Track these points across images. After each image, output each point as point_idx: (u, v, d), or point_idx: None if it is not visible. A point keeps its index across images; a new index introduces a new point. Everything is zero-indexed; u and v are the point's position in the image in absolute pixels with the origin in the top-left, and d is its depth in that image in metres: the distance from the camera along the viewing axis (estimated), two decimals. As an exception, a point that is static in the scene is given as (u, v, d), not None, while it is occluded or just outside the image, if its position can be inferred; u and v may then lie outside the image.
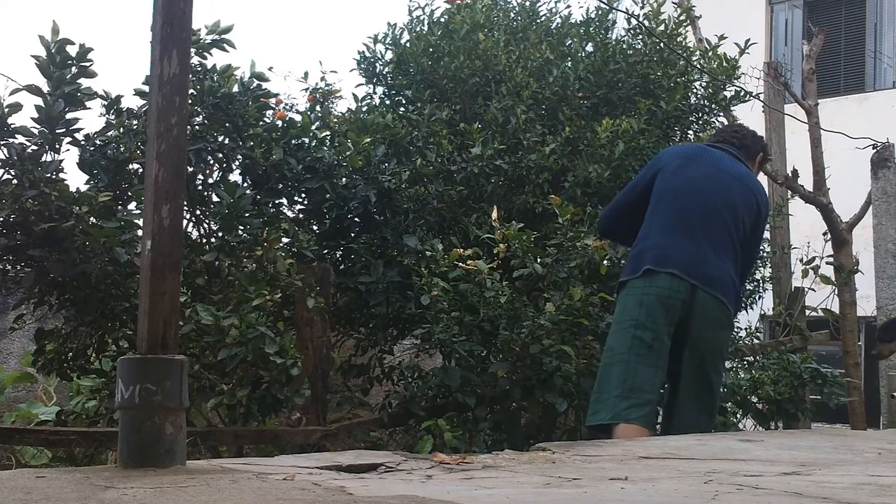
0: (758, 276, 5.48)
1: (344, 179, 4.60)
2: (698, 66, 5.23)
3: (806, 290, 5.88)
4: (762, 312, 5.70)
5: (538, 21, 5.61)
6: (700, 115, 5.31)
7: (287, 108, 5.33)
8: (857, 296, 6.20)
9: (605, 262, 4.02)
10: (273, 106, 4.66)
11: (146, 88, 3.84)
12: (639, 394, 3.19)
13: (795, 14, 11.44)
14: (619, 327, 3.35)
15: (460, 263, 3.94)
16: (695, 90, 5.28)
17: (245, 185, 4.33)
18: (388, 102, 5.44)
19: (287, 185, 4.42)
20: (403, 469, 2.02)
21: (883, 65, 10.82)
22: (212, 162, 4.26)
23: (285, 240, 4.06)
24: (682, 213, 3.42)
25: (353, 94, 5.39)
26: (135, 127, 4.03)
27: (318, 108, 5.22)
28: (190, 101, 3.99)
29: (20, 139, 3.68)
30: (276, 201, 4.46)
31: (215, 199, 4.10)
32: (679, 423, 3.31)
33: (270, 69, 4.58)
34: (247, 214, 3.90)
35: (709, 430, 3.35)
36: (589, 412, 3.32)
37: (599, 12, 5.53)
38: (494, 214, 4.10)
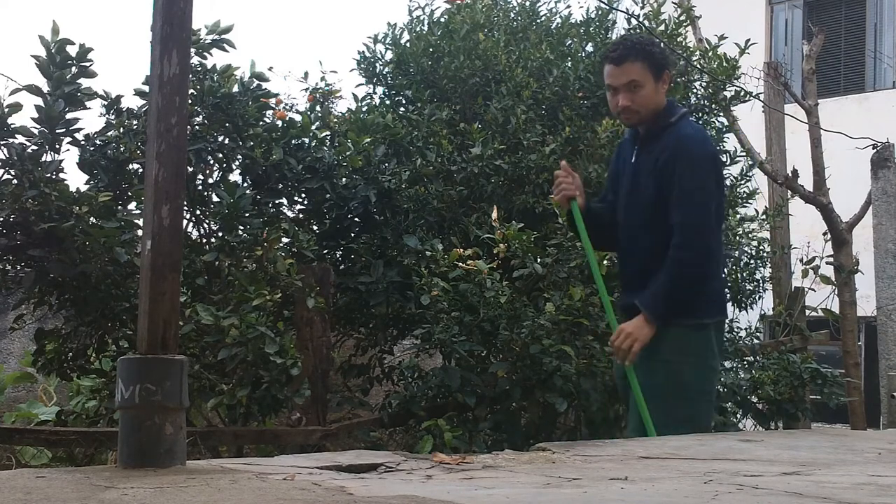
0: (758, 276, 5.46)
1: (344, 179, 4.60)
2: (698, 66, 5.23)
3: (806, 290, 5.87)
4: (762, 312, 5.69)
5: (538, 21, 5.61)
6: (700, 115, 5.31)
7: (287, 108, 5.33)
8: (857, 296, 6.21)
9: (605, 261, 4.02)
10: (273, 106, 4.67)
11: (146, 88, 3.84)
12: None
13: (795, 14, 11.44)
14: (711, 372, 3.19)
15: (460, 263, 3.94)
16: (695, 90, 5.28)
17: (245, 185, 4.33)
18: (388, 102, 5.43)
19: (287, 185, 4.42)
20: (403, 469, 2.02)
21: (883, 65, 10.82)
22: (212, 162, 4.27)
23: (285, 240, 4.06)
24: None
25: (353, 94, 5.39)
26: (135, 127, 4.03)
27: (318, 108, 5.22)
28: (190, 101, 3.99)
29: (20, 139, 3.69)
30: (276, 201, 4.46)
31: (215, 199, 4.11)
32: None
33: (270, 69, 4.58)
34: (247, 214, 3.90)
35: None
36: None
37: (599, 12, 5.52)
38: (494, 214, 4.10)
